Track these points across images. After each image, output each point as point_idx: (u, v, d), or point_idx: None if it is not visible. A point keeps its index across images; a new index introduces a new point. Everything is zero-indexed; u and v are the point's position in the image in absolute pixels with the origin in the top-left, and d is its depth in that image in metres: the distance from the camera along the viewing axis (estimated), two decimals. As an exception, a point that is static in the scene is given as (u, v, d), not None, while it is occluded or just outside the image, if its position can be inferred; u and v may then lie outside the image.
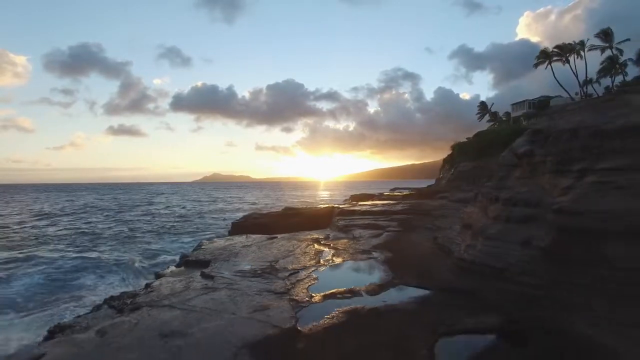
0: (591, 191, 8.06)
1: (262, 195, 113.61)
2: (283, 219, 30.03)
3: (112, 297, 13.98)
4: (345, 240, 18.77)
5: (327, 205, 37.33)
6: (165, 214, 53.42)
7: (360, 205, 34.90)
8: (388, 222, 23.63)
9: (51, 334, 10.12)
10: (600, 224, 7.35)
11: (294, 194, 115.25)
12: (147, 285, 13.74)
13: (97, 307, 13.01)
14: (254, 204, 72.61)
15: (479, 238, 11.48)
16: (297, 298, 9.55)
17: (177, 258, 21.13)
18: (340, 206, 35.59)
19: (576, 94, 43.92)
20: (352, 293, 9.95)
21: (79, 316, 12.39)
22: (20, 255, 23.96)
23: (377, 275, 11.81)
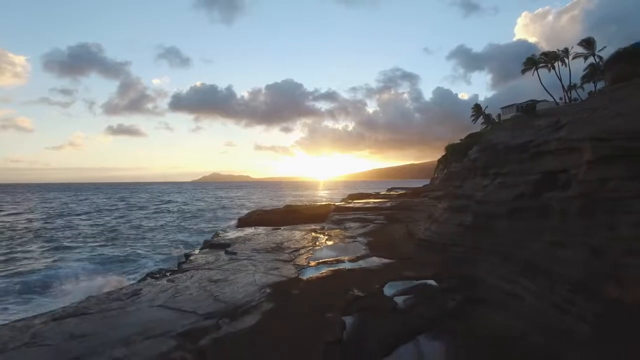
0: (495, 188, 12.05)
1: (263, 194, 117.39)
2: (285, 214, 34.02)
3: (151, 272, 17.96)
4: (338, 230, 22.77)
5: (324, 203, 41.33)
6: (175, 211, 57.37)
7: (355, 202, 38.94)
8: (376, 217, 27.62)
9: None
10: (495, 209, 11.33)
11: (294, 193, 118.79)
12: (182, 263, 17.72)
13: (142, 279, 16.97)
14: (256, 202, 76.56)
15: (433, 223, 15.51)
16: (299, 263, 13.57)
17: (198, 246, 25.04)
18: (336, 203, 39.60)
19: (560, 99, 47.97)
20: (338, 261, 13.96)
21: (131, 284, 16.34)
22: (59, 247, 27.96)
23: (357, 252, 15.81)
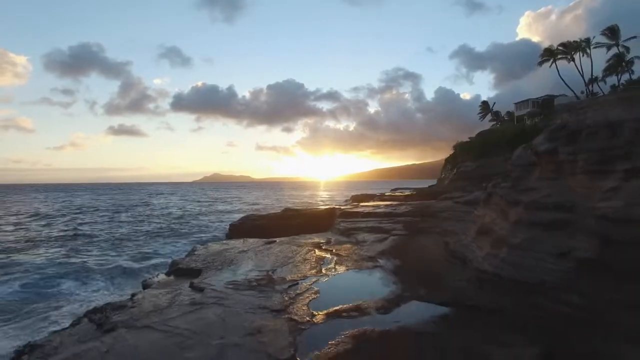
0: (642, 195, 6.85)
1: (262, 195, 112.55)
2: (282, 220, 28.89)
3: (94, 309, 12.72)
4: (349, 245, 17.55)
5: (328, 207, 36.08)
6: (162, 215, 52.18)
7: (363, 206, 33.54)
8: (392, 225, 22.37)
9: (18, 355, 9.08)
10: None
11: (294, 194, 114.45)
12: (132, 296, 12.54)
13: (77, 321, 11.82)
14: (253, 204, 71.43)
15: (502, 247, 10.23)
16: (296, 317, 8.30)
17: (169, 261, 19.82)
18: (342, 207, 34.32)
19: (582, 92, 42.67)
20: (359, 311, 8.70)
21: (55, 331, 11.27)
22: (6, 260, 22.71)
23: (385, 288, 10.56)
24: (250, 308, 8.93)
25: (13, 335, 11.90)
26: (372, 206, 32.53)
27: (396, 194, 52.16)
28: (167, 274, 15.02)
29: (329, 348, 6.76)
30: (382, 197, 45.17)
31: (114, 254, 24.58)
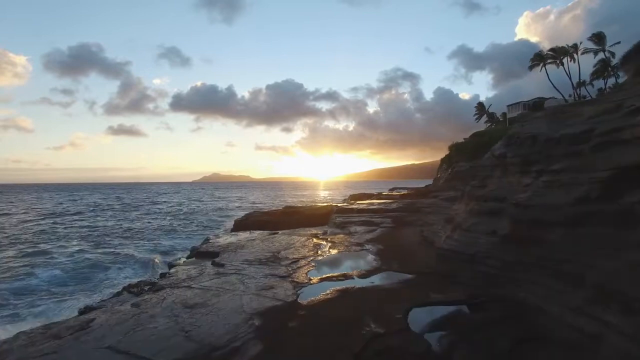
0: (541, 188, 9.70)
1: (262, 194, 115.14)
2: (283, 217, 31.68)
3: (130, 285, 15.64)
4: (342, 235, 20.38)
5: (325, 204, 38.98)
6: (171, 213, 55.02)
7: (358, 204, 36.55)
8: (382, 219, 25.24)
9: (82, 313, 11.75)
10: (545, 214, 8.97)
11: (294, 193, 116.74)
12: (163, 275, 15.44)
13: (118, 294, 14.70)
14: (255, 203, 74.25)
15: (456, 230, 13.12)
16: (297, 280, 11.19)
17: (185, 253, 22.72)
18: (339, 205, 37.22)
19: (570, 96, 45.41)
20: (345, 277, 11.58)
21: (102, 300, 14.05)
22: (37, 251, 25.58)
23: (367, 263, 13.45)
24: (263, 275, 11.81)
25: (70, 307, 14.72)
26: (367, 204, 35.58)
27: (393, 193, 55.16)
28: (189, 257, 17.93)
29: (320, 296, 9.63)
30: (379, 196, 48.16)
31: (134, 247, 27.44)
